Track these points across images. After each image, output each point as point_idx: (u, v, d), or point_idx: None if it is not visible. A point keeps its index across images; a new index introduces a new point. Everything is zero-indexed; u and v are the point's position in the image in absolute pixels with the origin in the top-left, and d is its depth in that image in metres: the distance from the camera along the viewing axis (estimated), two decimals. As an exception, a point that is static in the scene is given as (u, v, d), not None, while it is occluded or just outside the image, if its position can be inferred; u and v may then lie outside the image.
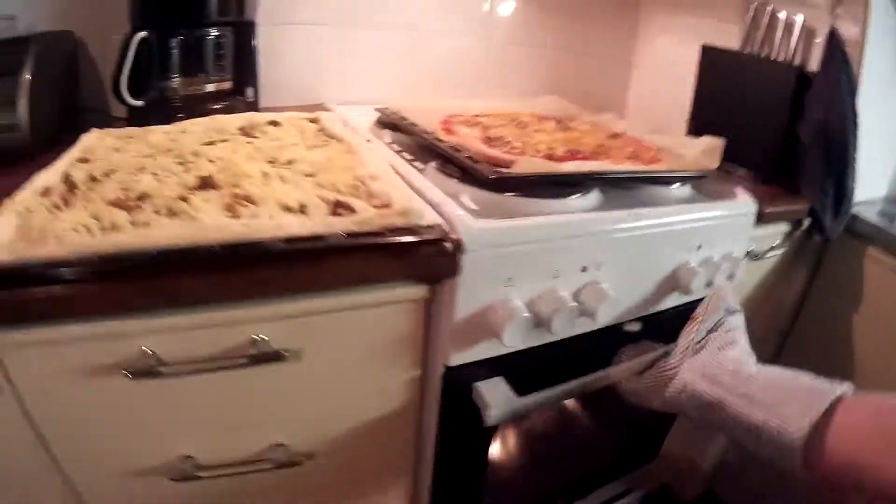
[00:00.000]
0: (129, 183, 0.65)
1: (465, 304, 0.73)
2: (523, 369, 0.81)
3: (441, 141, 0.93)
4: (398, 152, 0.96)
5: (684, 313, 0.84)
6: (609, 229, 0.82)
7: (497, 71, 1.45)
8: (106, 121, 0.93)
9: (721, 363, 0.72)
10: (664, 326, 0.98)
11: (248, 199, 0.62)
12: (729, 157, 1.27)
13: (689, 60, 1.38)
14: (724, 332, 0.76)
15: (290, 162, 0.78)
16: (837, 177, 1.19)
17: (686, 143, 1.11)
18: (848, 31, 1.12)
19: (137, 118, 0.93)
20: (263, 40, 1.08)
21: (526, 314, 0.73)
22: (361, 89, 1.28)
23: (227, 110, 0.99)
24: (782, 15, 1.22)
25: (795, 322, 1.39)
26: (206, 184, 0.66)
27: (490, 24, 1.41)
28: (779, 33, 1.24)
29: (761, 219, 1.06)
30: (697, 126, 1.40)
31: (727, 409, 0.65)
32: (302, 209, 0.63)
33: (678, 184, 0.98)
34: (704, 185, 1.03)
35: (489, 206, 0.77)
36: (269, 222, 0.58)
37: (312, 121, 1.00)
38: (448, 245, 0.66)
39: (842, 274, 1.29)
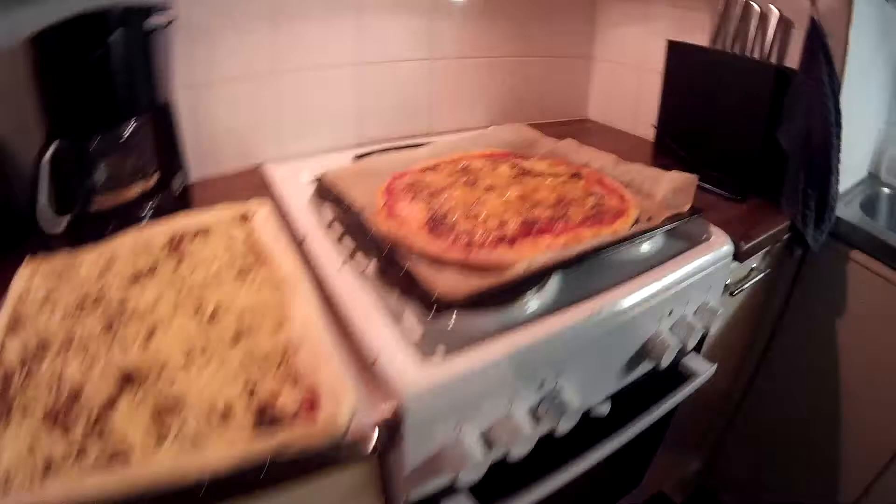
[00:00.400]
0: (58, 370, 0.61)
1: (415, 454, 0.67)
2: (490, 479, 0.75)
3: (380, 233, 0.83)
4: (340, 238, 0.87)
5: (655, 378, 0.77)
6: (569, 333, 0.74)
7: (449, 90, 1.31)
8: (43, 238, 0.82)
9: None
10: (636, 397, 0.92)
11: (173, 404, 0.57)
12: (704, 164, 1.17)
13: (655, 54, 1.25)
14: None
15: (214, 314, 0.71)
16: (820, 185, 1.10)
17: (655, 176, 1.00)
18: (829, 22, 0.99)
19: (71, 234, 0.84)
20: (188, 106, 0.97)
21: (479, 457, 0.67)
22: (304, 138, 1.16)
23: (157, 212, 0.90)
24: (757, 5, 1.07)
25: (777, 333, 1.33)
26: (129, 378, 0.61)
27: (433, 43, 1.26)
28: (753, 26, 1.11)
29: (739, 257, 0.97)
30: (665, 131, 1.28)
31: None
32: (226, 414, 0.57)
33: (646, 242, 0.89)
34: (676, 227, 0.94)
35: (434, 331, 0.69)
36: (193, 461, 0.52)
37: (243, 218, 0.90)
38: (384, 432, 0.59)
39: (825, 281, 1.22)
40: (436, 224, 0.84)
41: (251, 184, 1.06)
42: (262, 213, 0.92)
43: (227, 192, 0.97)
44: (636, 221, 0.90)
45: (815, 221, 1.12)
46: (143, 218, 0.88)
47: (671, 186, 0.97)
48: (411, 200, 0.91)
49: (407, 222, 0.84)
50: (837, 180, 1.09)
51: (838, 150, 1.06)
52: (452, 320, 0.70)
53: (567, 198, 0.93)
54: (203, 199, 0.96)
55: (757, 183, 1.14)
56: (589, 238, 0.83)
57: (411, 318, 0.70)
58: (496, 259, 0.77)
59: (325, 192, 0.97)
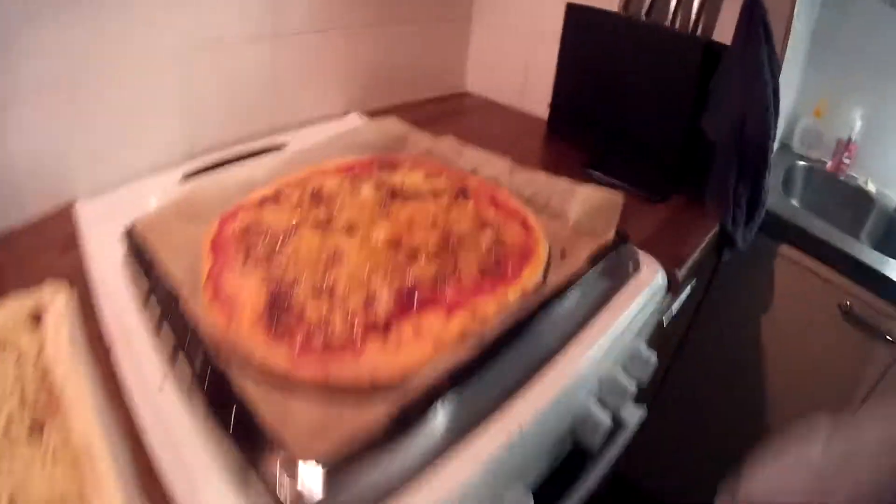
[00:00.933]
0: None
1: None
2: None
3: (205, 330, 0.54)
4: (158, 326, 0.58)
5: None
6: (480, 470, 0.50)
7: (296, 73, 0.99)
8: None
9: None
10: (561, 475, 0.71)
11: None
12: (611, 152, 0.96)
13: (550, 17, 0.99)
14: None
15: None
16: (753, 180, 0.91)
17: (565, 190, 0.76)
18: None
19: None
20: None
21: None
22: (123, 158, 0.82)
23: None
24: (678, -34, 0.84)
25: (693, 327, 1.18)
26: None
27: (275, 16, 0.92)
28: (673, -12, 0.87)
29: (673, 288, 0.77)
30: (562, 112, 1.04)
31: None
32: None
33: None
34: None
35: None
36: None
37: (35, 318, 0.59)
38: None
39: (746, 275, 1.07)
40: (277, 311, 0.56)
41: (58, 239, 0.72)
42: (57, 305, 0.59)
43: (24, 259, 0.70)
44: (548, 261, 0.66)
45: (745, 220, 0.95)
46: None
47: (587, 206, 0.73)
48: (244, 264, 0.62)
49: (238, 311, 0.56)
50: (770, 173, 0.92)
51: (774, 140, 0.88)
52: (320, 488, 0.43)
53: (455, 234, 0.68)
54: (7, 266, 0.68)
55: (678, 177, 0.94)
56: (492, 310, 0.58)
57: (261, 481, 0.43)
58: (367, 375, 0.51)
59: (136, 254, 0.65)
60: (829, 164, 1.27)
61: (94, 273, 0.66)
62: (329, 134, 0.88)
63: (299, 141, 0.92)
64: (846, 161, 1.24)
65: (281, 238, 0.66)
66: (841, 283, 0.95)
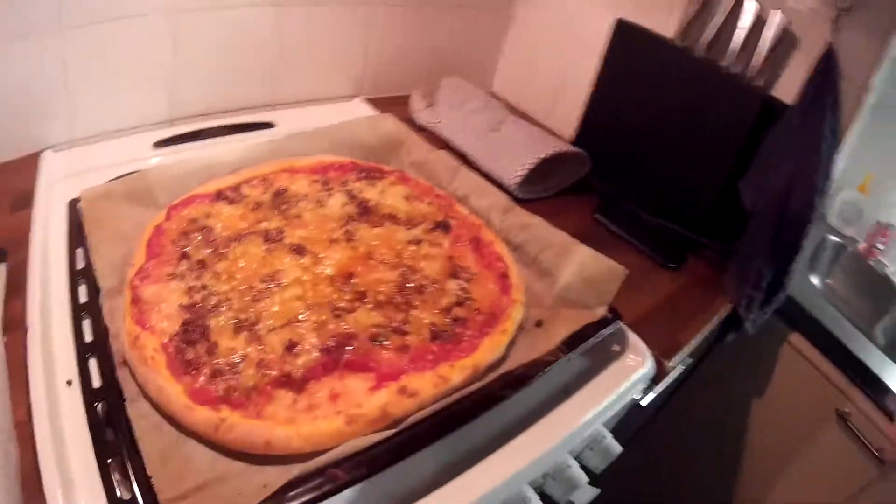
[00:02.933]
0: None
1: None
2: None
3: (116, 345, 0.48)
4: (78, 316, 0.51)
5: None
6: None
7: (304, 48, 0.86)
8: None
9: None
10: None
11: None
12: (631, 197, 0.84)
13: (597, 31, 0.86)
14: None
15: None
16: (781, 261, 0.79)
17: (561, 247, 0.65)
18: (849, 58, 0.64)
19: None
20: None
21: None
22: (101, 113, 0.74)
23: None
24: (751, 5, 0.70)
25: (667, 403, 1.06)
26: None
27: None
28: (743, 28, 0.73)
29: (658, 378, 0.66)
30: (590, 139, 0.92)
31: None
32: None
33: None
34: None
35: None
36: None
37: None
38: None
39: (745, 355, 0.95)
40: (187, 340, 0.48)
41: (13, 193, 0.65)
42: None
43: None
44: (519, 327, 0.56)
45: (761, 303, 0.82)
46: None
47: (581, 272, 0.61)
48: (175, 267, 0.54)
49: (149, 326, 0.48)
50: (802, 257, 0.79)
51: (814, 221, 0.75)
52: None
53: (417, 278, 0.57)
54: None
55: (697, 241, 0.82)
56: (428, 390, 0.48)
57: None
58: (262, 438, 0.42)
59: (76, 232, 0.58)
60: (862, 245, 1.12)
61: (34, 242, 0.57)
62: (325, 119, 0.78)
63: (289, 122, 0.81)
64: (879, 246, 1.09)
65: (222, 244, 0.57)
66: (843, 386, 0.84)
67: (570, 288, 0.61)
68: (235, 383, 0.45)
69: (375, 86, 0.95)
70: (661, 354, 0.64)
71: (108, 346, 0.48)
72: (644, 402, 0.73)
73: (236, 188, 0.64)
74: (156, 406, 0.44)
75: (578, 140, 0.92)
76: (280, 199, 0.64)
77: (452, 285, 0.57)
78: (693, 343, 0.70)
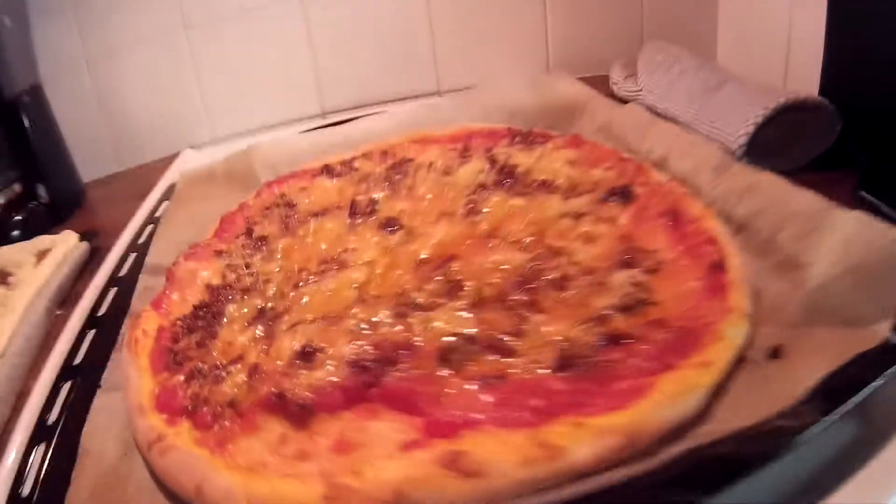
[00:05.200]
0: None
1: None
2: None
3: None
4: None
5: None
6: None
7: (462, 32, 0.70)
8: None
9: None
10: None
11: None
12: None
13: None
14: None
15: None
16: None
17: (812, 214, 0.32)
18: None
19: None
20: (80, 86, 0.69)
21: None
22: (242, 112, 0.72)
23: (24, 229, 0.58)
24: None
25: None
26: None
27: None
28: None
29: None
30: (839, 95, 0.53)
31: None
32: None
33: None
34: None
35: None
36: None
37: (40, 256, 0.49)
38: None
39: None
40: (189, 326, 0.35)
41: (145, 186, 0.64)
42: (56, 253, 0.49)
43: (109, 200, 0.66)
44: (739, 358, 0.27)
45: None
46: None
47: (848, 258, 0.29)
48: (219, 251, 0.41)
49: (157, 312, 0.36)
50: None
51: None
52: None
53: (556, 268, 0.33)
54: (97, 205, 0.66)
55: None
56: (511, 466, 0.23)
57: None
58: (190, 481, 0.25)
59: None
60: None
61: (128, 228, 0.51)
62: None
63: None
64: None
65: (299, 220, 0.42)
66: None
67: (829, 287, 0.29)
68: (208, 392, 0.27)
69: (564, 66, 0.71)
70: None
71: (115, 325, 0.37)
72: None
73: (349, 162, 0.49)
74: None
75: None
76: (396, 169, 0.46)
77: (621, 278, 0.31)
78: None
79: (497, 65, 0.70)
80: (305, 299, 0.33)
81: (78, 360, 0.36)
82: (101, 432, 0.29)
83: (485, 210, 0.39)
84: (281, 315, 0.32)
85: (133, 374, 0.31)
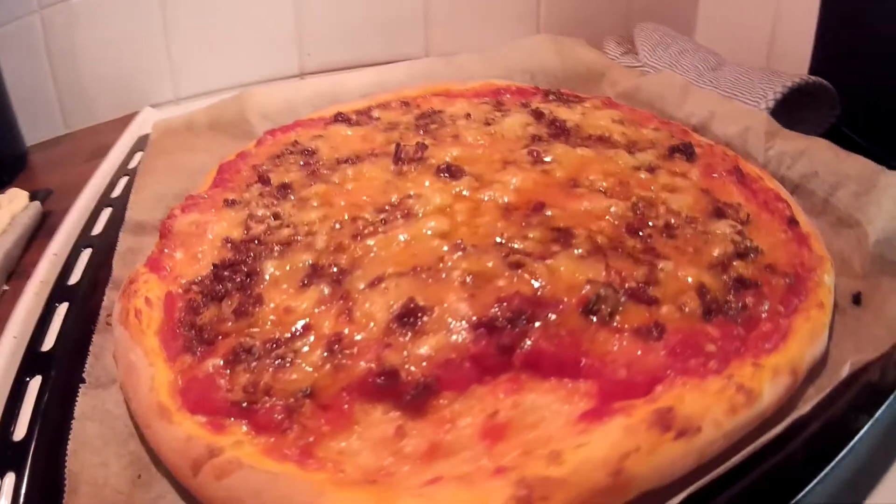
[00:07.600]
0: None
1: None
2: None
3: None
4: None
5: None
6: None
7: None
8: None
9: None
10: None
11: None
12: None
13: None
14: None
15: None
16: None
17: (865, 174, 0.32)
18: None
19: None
20: (46, 36, 0.57)
21: None
22: (217, 67, 0.61)
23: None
24: None
25: None
26: None
27: None
28: None
29: None
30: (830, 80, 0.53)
31: None
32: None
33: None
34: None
35: None
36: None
37: None
38: None
39: None
40: (213, 293, 0.27)
41: (93, 147, 0.54)
42: (1, 215, 0.40)
43: (51, 163, 0.57)
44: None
45: None
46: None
47: None
48: (230, 201, 0.33)
49: (158, 275, 0.27)
50: None
51: None
52: None
53: (658, 216, 0.30)
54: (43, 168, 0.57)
55: None
56: (723, 415, 0.19)
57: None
58: None
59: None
60: None
61: (86, 190, 0.40)
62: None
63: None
64: None
65: (327, 167, 0.34)
66: None
67: (893, 240, 0.29)
68: (270, 379, 0.19)
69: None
70: None
71: (92, 296, 0.28)
72: None
73: (365, 111, 0.42)
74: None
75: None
76: (429, 119, 0.39)
77: (723, 227, 0.29)
78: None
79: (488, 32, 0.64)
80: (375, 251, 0.25)
81: (47, 347, 0.26)
82: (93, 449, 0.21)
83: (547, 159, 0.33)
84: (347, 271, 0.24)
85: (138, 360, 0.22)
